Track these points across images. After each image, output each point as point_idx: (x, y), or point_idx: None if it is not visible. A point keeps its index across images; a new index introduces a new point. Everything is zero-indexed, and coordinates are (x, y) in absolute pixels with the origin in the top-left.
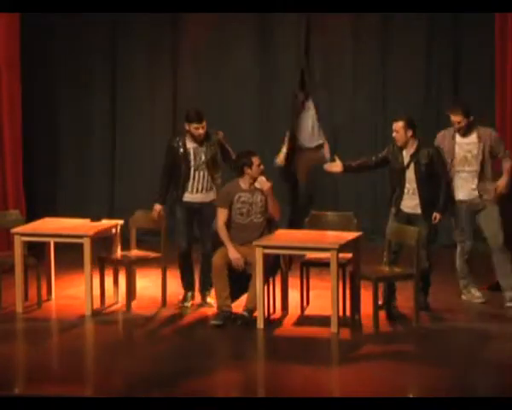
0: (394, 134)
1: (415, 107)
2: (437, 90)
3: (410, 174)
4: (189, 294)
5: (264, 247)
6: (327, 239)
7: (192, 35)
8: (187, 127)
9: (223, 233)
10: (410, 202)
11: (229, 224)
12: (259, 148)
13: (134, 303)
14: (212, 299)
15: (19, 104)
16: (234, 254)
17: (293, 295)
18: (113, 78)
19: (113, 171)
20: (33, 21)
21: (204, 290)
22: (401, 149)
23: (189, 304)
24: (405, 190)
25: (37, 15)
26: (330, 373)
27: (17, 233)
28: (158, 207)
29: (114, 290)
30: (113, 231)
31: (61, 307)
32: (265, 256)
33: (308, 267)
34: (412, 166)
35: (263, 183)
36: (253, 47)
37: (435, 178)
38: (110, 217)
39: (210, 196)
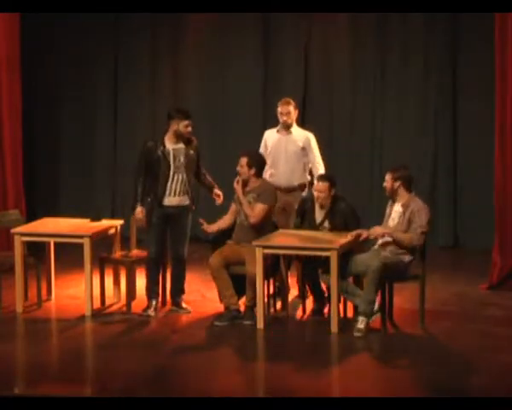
0: (317, 194)
1: (413, 106)
2: (435, 90)
3: (324, 230)
4: (154, 302)
5: (264, 247)
6: (327, 239)
7: (193, 35)
8: (174, 126)
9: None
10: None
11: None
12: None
13: (134, 303)
14: (187, 305)
15: (19, 104)
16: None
17: (293, 295)
18: (114, 77)
19: (114, 171)
20: (33, 21)
21: (176, 297)
22: (313, 205)
23: (152, 313)
24: None
25: (37, 15)
26: (330, 373)
27: (17, 233)
28: (139, 208)
29: (114, 290)
30: (113, 231)
31: (61, 307)
32: (265, 256)
33: None
34: (327, 223)
35: (234, 186)
36: (254, 47)
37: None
38: (111, 217)
39: (186, 200)
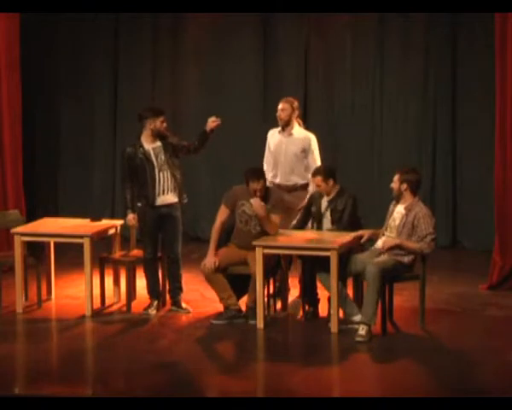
0: (316, 188)
1: (413, 106)
2: (435, 89)
3: (327, 220)
4: (155, 302)
5: (264, 247)
6: (327, 239)
7: (193, 35)
8: (151, 125)
9: (214, 234)
10: None
11: (234, 224)
12: (260, 149)
13: (134, 303)
14: (186, 304)
15: (19, 104)
16: (208, 257)
17: (293, 295)
18: (114, 78)
19: (114, 171)
20: (33, 22)
21: (175, 296)
22: (321, 195)
23: (153, 312)
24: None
25: (37, 15)
26: (330, 373)
27: (17, 233)
28: (131, 215)
29: (114, 290)
30: (113, 231)
31: (61, 307)
32: (266, 256)
33: None
34: (329, 212)
35: (255, 207)
36: (254, 47)
37: (346, 224)
38: (111, 217)
39: (175, 197)
